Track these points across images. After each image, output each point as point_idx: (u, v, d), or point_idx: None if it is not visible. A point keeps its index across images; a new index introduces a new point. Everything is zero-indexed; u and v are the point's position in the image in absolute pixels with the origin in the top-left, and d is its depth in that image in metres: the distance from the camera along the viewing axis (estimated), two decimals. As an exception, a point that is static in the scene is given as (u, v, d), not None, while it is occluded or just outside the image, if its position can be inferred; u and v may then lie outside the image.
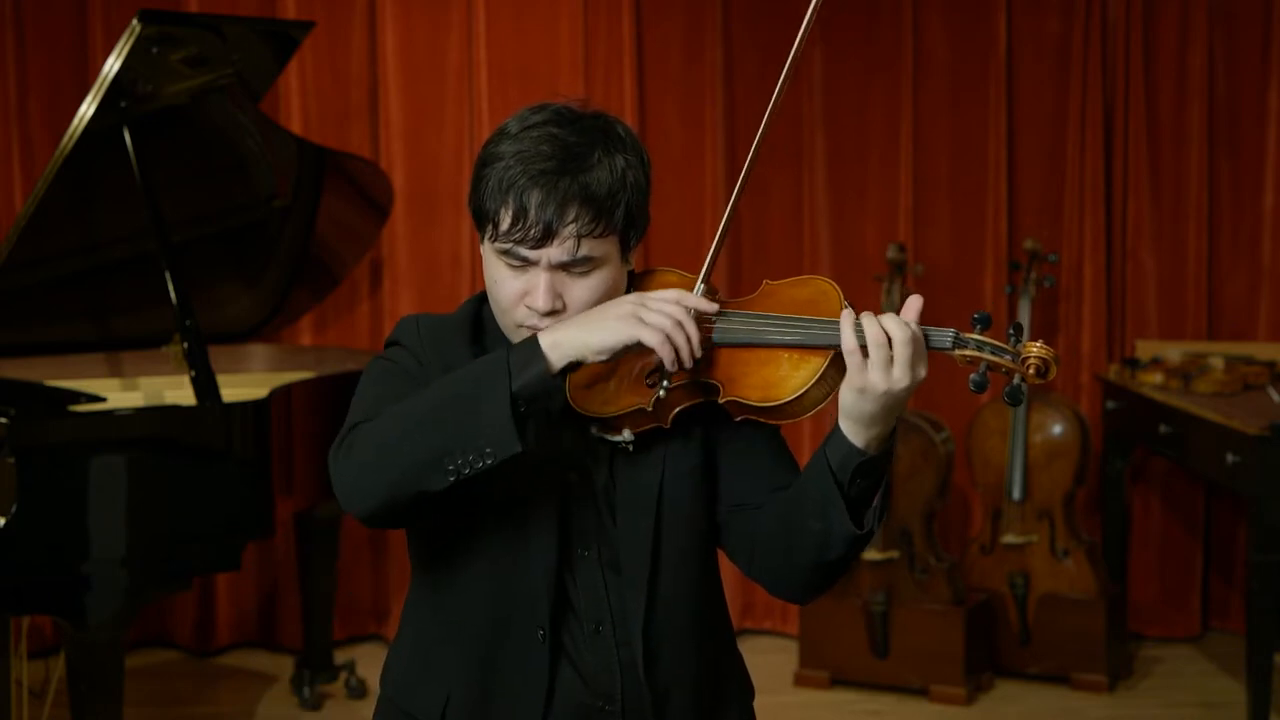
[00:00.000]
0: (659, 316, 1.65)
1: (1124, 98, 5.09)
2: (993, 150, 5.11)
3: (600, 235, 1.71)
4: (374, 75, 5.08)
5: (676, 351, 1.65)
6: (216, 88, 3.90)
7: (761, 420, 1.70)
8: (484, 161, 1.74)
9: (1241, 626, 4.83)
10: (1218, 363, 4.60)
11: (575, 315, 1.72)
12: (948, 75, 5.15)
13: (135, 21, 3.48)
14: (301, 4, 5.00)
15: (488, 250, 1.76)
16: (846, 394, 1.63)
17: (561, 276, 1.72)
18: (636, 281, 1.85)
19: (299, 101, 5.01)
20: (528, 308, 1.73)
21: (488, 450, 1.61)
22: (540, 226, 1.68)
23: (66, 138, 3.49)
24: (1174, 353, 4.82)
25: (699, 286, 1.74)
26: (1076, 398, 5.09)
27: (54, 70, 5.05)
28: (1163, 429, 4.46)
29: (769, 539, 1.76)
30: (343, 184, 4.48)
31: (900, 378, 1.60)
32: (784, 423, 1.70)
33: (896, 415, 1.64)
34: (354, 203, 4.58)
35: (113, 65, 3.50)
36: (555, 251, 1.70)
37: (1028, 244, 4.90)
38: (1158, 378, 4.62)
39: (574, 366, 1.66)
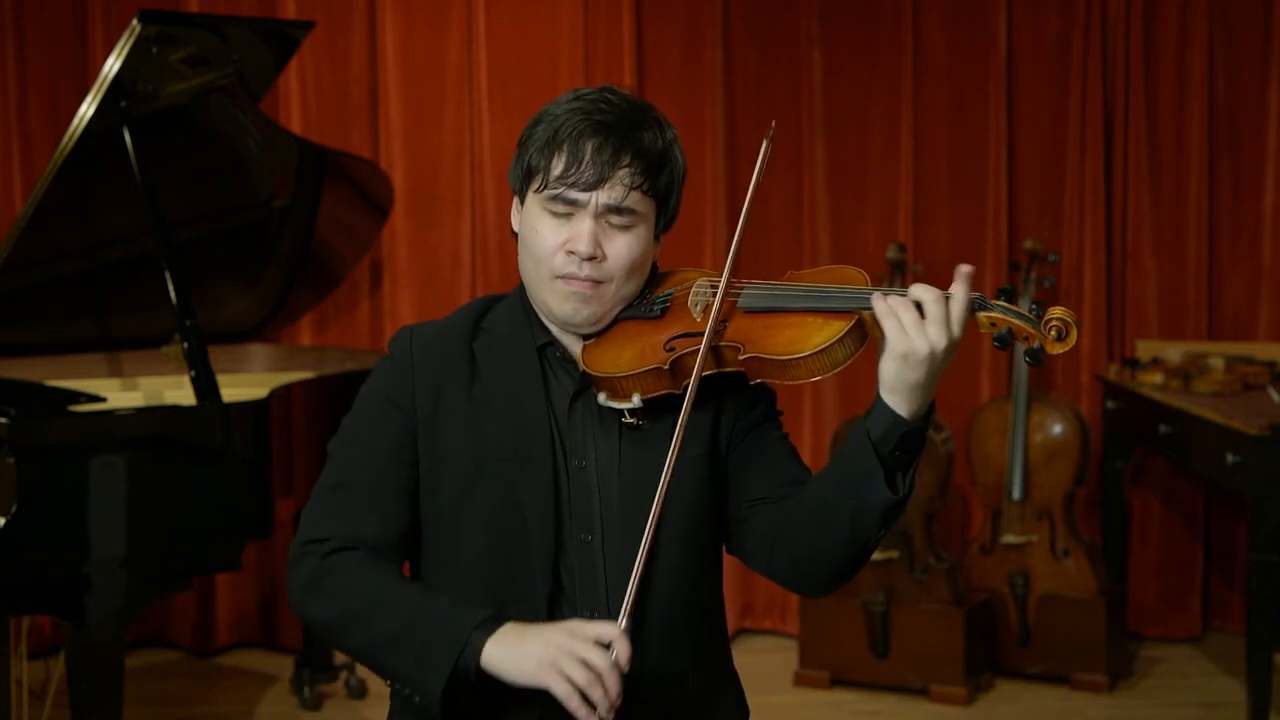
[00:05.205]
0: (579, 670, 1.60)
1: (1124, 98, 5.09)
2: (993, 150, 5.11)
3: (646, 192, 1.80)
4: (374, 75, 5.08)
5: (593, 705, 1.60)
6: (216, 88, 3.89)
7: (776, 380, 1.74)
8: (535, 122, 1.82)
9: (1241, 626, 4.83)
10: (1218, 363, 4.60)
11: (615, 269, 1.79)
12: (948, 75, 5.14)
13: (135, 21, 3.47)
14: (301, 4, 5.00)
15: (531, 204, 1.81)
16: (888, 365, 1.66)
17: (604, 226, 1.79)
18: (660, 280, 1.88)
19: (299, 101, 5.02)
20: (568, 254, 1.78)
21: (416, 697, 1.71)
22: (595, 169, 1.76)
23: (66, 138, 3.49)
24: (1174, 353, 4.82)
25: (681, 425, 1.71)
26: (1076, 398, 5.09)
27: (54, 70, 5.05)
28: (1163, 429, 4.46)
29: (794, 526, 1.78)
30: (343, 184, 4.47)
31: (938, 336, 1.64)
32: (797, 382, 1.73)
33: (936, 381, 1.67)
34: (354, 203, 4.58)
35: (113, 65, 3.50)
36: (605, 195, 1.77)
37: (1028, 244, 4.89)
38: (1158, 378, 4.62)
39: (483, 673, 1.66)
